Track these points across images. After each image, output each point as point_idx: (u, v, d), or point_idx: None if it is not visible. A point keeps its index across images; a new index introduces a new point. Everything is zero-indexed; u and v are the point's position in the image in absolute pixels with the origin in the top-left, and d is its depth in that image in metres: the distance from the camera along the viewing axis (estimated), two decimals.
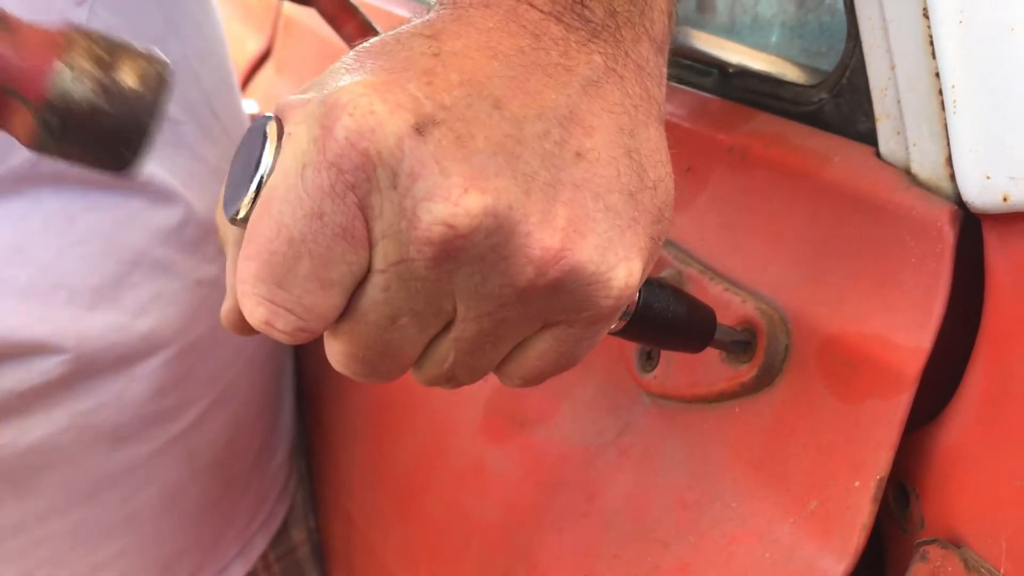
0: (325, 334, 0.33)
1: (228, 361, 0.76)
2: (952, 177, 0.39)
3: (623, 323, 0.40)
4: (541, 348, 0.35)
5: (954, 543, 0.38)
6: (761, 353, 0.45)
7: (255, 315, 0.31)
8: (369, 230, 0.30)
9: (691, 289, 0.49)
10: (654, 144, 0.34)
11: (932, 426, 0.40)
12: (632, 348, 0.53)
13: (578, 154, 0.31)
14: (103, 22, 0.62)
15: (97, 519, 0.71)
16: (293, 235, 0.29)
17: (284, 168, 0.30)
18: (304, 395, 0.95)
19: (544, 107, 0.31)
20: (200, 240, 0.71)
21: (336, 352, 0.33)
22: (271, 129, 0.32)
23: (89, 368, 0.65)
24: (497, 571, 0.56)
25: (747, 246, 0.49)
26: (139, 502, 0.72)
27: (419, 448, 0.70)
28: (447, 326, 0.33)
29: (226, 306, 0.38)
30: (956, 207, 0.39)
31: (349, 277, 0.31)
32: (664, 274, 0.51)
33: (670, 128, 0.56)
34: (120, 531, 0.72)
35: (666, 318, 0.41)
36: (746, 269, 0.48)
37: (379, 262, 0.30)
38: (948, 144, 0.39)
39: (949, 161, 0.39)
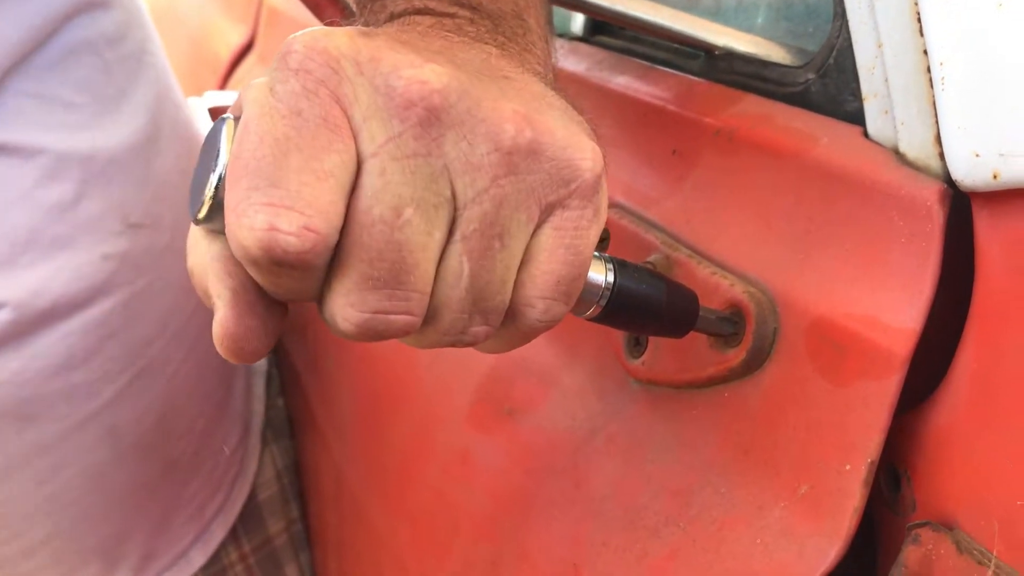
0: (333, 279, 0.31)
1: (150, 337, 0.74)
2: (941, 155, 0.39)
3: (599, 308, 0.39)
4: (547, 245, 0.34)
5: (946, 525, 0.37)
6: (750, 337, 0.44)
7: (256, 225, 0.29)
8: (350, 118, 0.30)
9: (679, 273, 0.49)
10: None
11: (923, 408, 0.40)
12: (620, 334, 0.53)
13: (506, 77, 0.35)
14: None
15: (12, 502, 0.70)
16: (276, 136, 0.29)
17: (253, 95, 0.31)
18: (287, 385, 0.94)
19: (466, 56, 0.35)
20: (102, 215, 0.69)
21: (348, 288, 0.31)
22: (228, 126, 0.32)
23: None
24: (485, 561, 0.55)
25: (735, 229, 0.48)
26: (58, 484, 0.71)
27: (406, 438, 0.69)
28: (452, 227, 0.32)
29: (217, 319, 0.33)
30: (945, 186, 0.38)
31: (341, 167, 0.30)
32: (651, 259, 0.51)
33: (656, 112, 0.56)
34: (42, 514, 0.71)
35: (644, 303, 0.40)
36: (734, 252, 0.48)
37: (368, 146, 0.30)
38: (936, 122, 0.39)
39: (938, 139, 0.39)
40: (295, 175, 0.29)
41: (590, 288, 0.39)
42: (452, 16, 0.38)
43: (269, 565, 0.88)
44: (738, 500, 0.44)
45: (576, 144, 0.34)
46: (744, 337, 0.44)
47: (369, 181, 0.30)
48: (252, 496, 0.88)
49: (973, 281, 0.38)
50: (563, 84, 0.41)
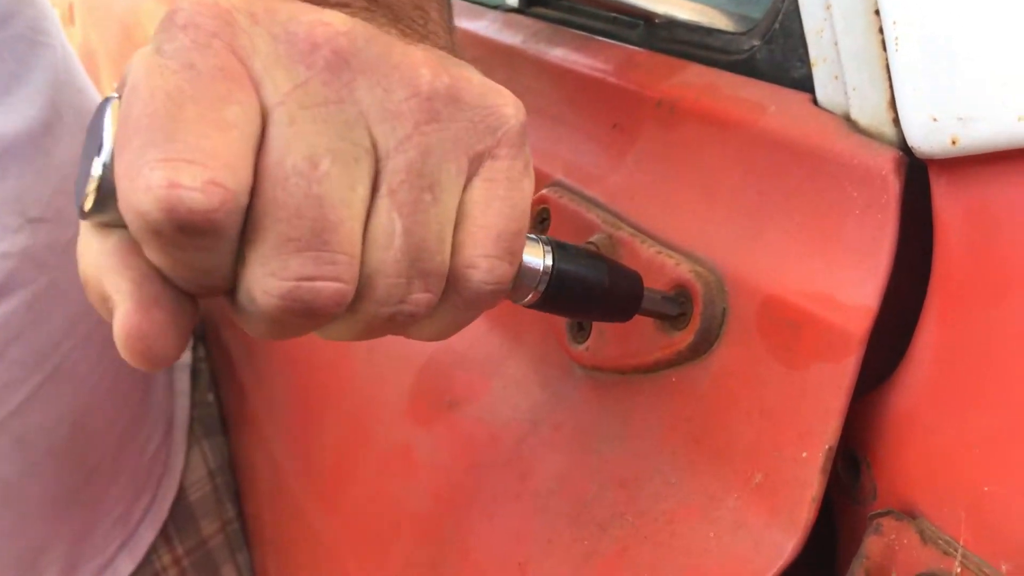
0: (248, 249, 0.28)
1: (57, 338, 0.69)
2: (895, 121, 0.36)
3: (537, 294, 0.37)
4: (481, 199, 0.32)
5: (909, 514, 0.35)
6: (697, 318, 0.42)
7: (154, 183, 0.25)
8: (249, 69, 0.28)
9: (622, 253, 0.46)
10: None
11: (882, 390, 0.37)
12: (563, 320, 0.50)
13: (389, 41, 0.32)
14: None
15: None
16: (168, 90, 0.26)
17: (136, 61, 0.28)
18: (220, 379, 0.90)
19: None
20: None
21: (266, 255, 0.28)
22: (113, 106, 0.28)
23: None
24: (426, 560, 0.52)
25: (680, 205, 0.46)
26: None
27: (342, 434, 0.66)
28: (377, 182, 0.30)
29: (118, 316, 0.29)
30: (900, 153, 0.36)
31: (244, 118, 0.27)
32: (593, 239, 0.48)
33: (595, 84, 0.53)
34: None
35: (585, 287, 0.38)
36: (679, 229, 0.45)
37: (273, 96, 0.28)
38: (891, 86, 0.36)
39: (892, 104, 0.37)
40: (193, 126, 0.26)
41: (527, 273, 0.36)
42: (346, 5, 0.35)
43: (204, 567, 0.84)
44: (689, 491, 0.42)
45: (496, 91, 0.33)
46: (691, 318, 0.42)
47: (278, 132, 0.27)
48: (182, 497, 0.84)
49: (932, 254, 0.36)
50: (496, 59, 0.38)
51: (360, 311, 0.31)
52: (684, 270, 0.43)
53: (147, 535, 0.79)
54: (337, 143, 0.28)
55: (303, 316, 0.29)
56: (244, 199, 0.27)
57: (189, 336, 0.30)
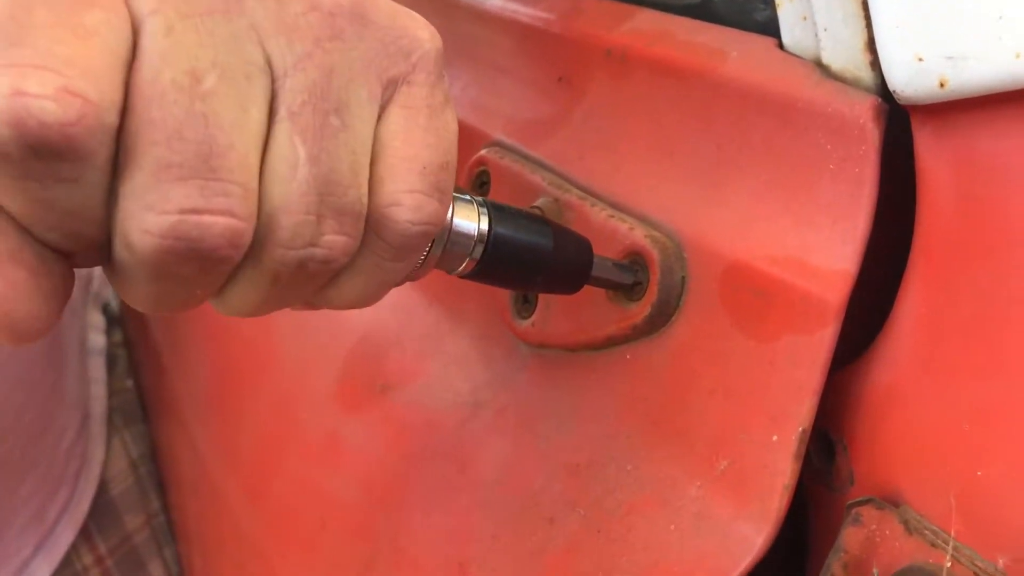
0: (121, 181, 0.23)
1: None
2: (873, 64, 0.33)
3: (473, 262, 0.32)
4: (401, 128, 0.29)
5: (891, 502, 0.32)
6: (654, 288, 0.38)
7: None
8: None
9: (570, 218, 0.42)
10: None
11: (859, 363, 0.34)
12: (506, 292, 0.46)
13: None
14: None
15: None
16: None
17: None
18: (139, 364, 0.84)
19: None
20: None
21: (143, 185, 0.24)
22: None
23: None
24: (358, 560, 0.48)
25: (633, 164, 0.42)
26: None
27: (265, 420, 0.61)
28: (274, 105, 0.26)
29: None
30: (880, 99, 0.32)
31: (108, 26, 0.22)
32: (539, 203, 0.44)
33: (538, 33, 0.49)
34: None
35: (527, 254, 0.34)
36: (633, 191, 0.41)
37: (146, 4, 0.23)
38: (868, 24, 0.33)
39: (870, 45, 0.33)
40: (45, 31, 0.22)
41: (460, 239, 0.32)
42: None
43: (130, 565, 0.79)
44: (647, 479, 0.38)
45: (407, 14, 0.29)
46: (647, 289, 0.38)
47: (153, 43, 0.23)
48: (103, 491, 0.78)
49: (915, 211, 0.32)
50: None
51: (263, 259, 0.27)
52: (638, 235, 0.39)
53: (66, 534, 0.73)
54: (224, 57, 0.24)
55: (192, 261, 0.24)
56: (110, 117, 0.22)
57: (62, 304, 0.25)
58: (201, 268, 0.25)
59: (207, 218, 0.24)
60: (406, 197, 0.28)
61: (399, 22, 0.29)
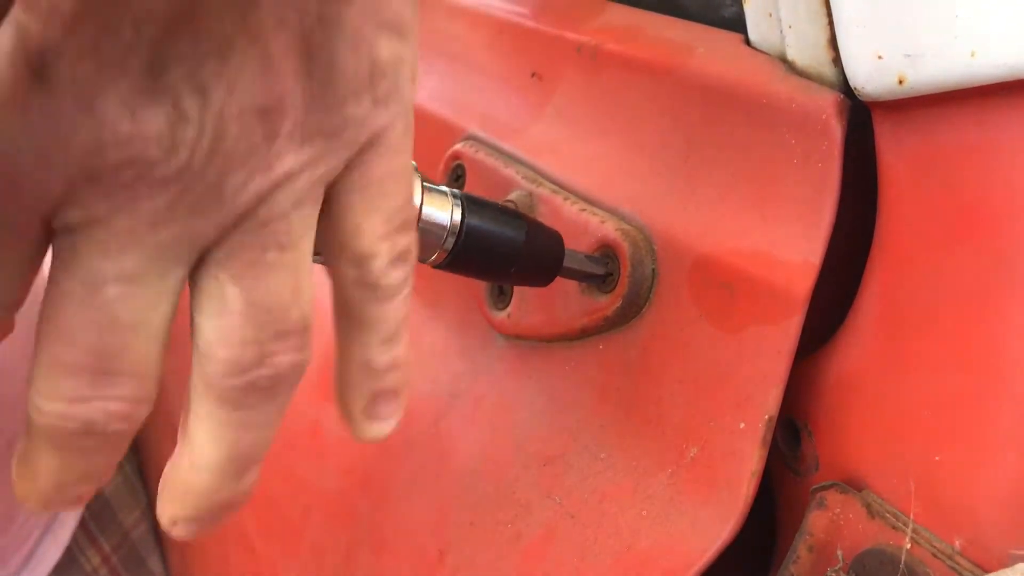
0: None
1: None
2: (836, 61, 0.33)
3: (444, 253, 0.33)
4: (352, 199, 0.26)
5: (855, 486, 0.33)
6: (625, 281, 0.39)
7: None
8: None
9: (543, 211, 0.43)
10: None
11: (823, 352, 0.35)
12: (483, 284, 0.46)
13: None
14: None
15: None
16: None
17: None
18: None
19: None
20: None
21: (41, 385, 0.24)
22: None
23: None
24: (340, 548, 0.49)
25: (605, 158, 0.42)
26: None
27: None
28: (199, 257, 0.25)
29: None
30: (842, 96, 0.33)
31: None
32: (512, 196, 0.44)
33: (511, 28, 0.49)
34: None
35: (498, 245, 0.34)
36: (604, 185, 0.42)
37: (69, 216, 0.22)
38: (830, 22, 0.33)
39: (832, 42, 0.33)
40: None
41: (431, 228, 0.32)
42: None
43: (132, 561, 0.78)
44: (619, 467, 0.38)
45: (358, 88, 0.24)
46: (618, 281, 0.39)
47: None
48: (97, 493, 0.78)
49: (877, 204, 0.33)
50: None
51: (210, 395, 0.26)
52: (610, 229, 0.39)
53: (69, 521, 0.74)
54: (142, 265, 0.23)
55: (88, 436, 0.24)
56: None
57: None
58: (102, 440, 0.25)
59: (96, 404, 0.24)
60: (381, 245, 0.27)
61: (351, 111, 0.25)
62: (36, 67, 0.20)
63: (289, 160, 0.24)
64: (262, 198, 0.23)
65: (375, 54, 0.24)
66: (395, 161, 0.27)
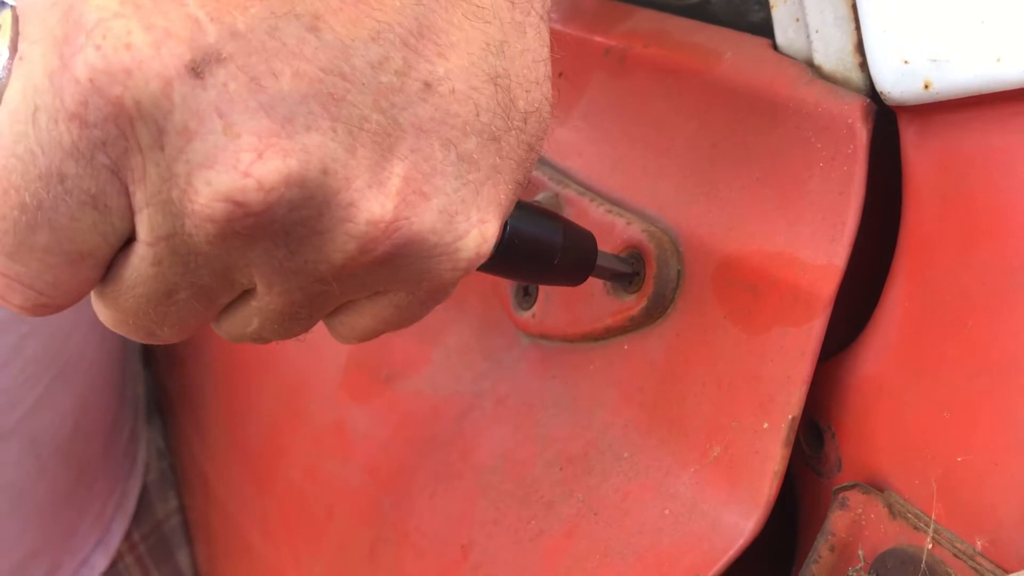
0: (92, 293, 0.26)
1: (68, 329, 0.64)
2: (862, 65, 0.34)
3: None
4: (375, 311, 0.29)
5: (877, 487, 0.33)
6: (650, 281, 0.39)
7: None
8: (130, 195, 0.23)
9: (570, 213, 0.43)
10: (530, 59, 0.27)
11: (847, 354, 0.35)
12: (508, 284, 0.47)
13: (427, 85, 0.24)
14: None
15: None
16: (25, 200, 0.22)
17: (12, 106, 0.22)
18: (152, 353, 0.85)
19: (383, 22, 0.23)
20: None
21: (102, 314, 0.26)
22: (5, 18, 0.24)
23: None
24: (364, 544, 0.49)
25: (631, 161, 0.43)
26: None
27: (274, 409, 0.62)
28: (247, 293, 0.27)
29: None
30: (868, 100, 0.33)
31: (104, 248, 0.24)
32: (539, 197, 0.45)
33: None
34: None
35: (538, 248, 0.34)
36: (631, 187, 0.42)
37: (145, 233, 0.23)
38: (857, 27, 0.34)
39: (859, 47, 0.34)
40: (40, 255, 0.23)
41: None
42: None
43: (160, 552, 0.79)
44: (643, 466, 0.39)
45: (452, 250, 0.27)
46: (644, 282, 0.39)
47: (139, 266, 0.24)
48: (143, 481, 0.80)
49: (901, 208, 0.33)
50: None
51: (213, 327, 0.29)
52: (636, 230, 0.40)
53: (118, 531, 0.75)
54: (206, 280, 0.25)
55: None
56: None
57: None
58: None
59: (152, 341, 0.28)
60: (350, 342, 0.31)
61: (432, 264, 0.27)
62: None
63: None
64: (312, 296, 0.27)
65: None
66: (412, 315, 0.30)
